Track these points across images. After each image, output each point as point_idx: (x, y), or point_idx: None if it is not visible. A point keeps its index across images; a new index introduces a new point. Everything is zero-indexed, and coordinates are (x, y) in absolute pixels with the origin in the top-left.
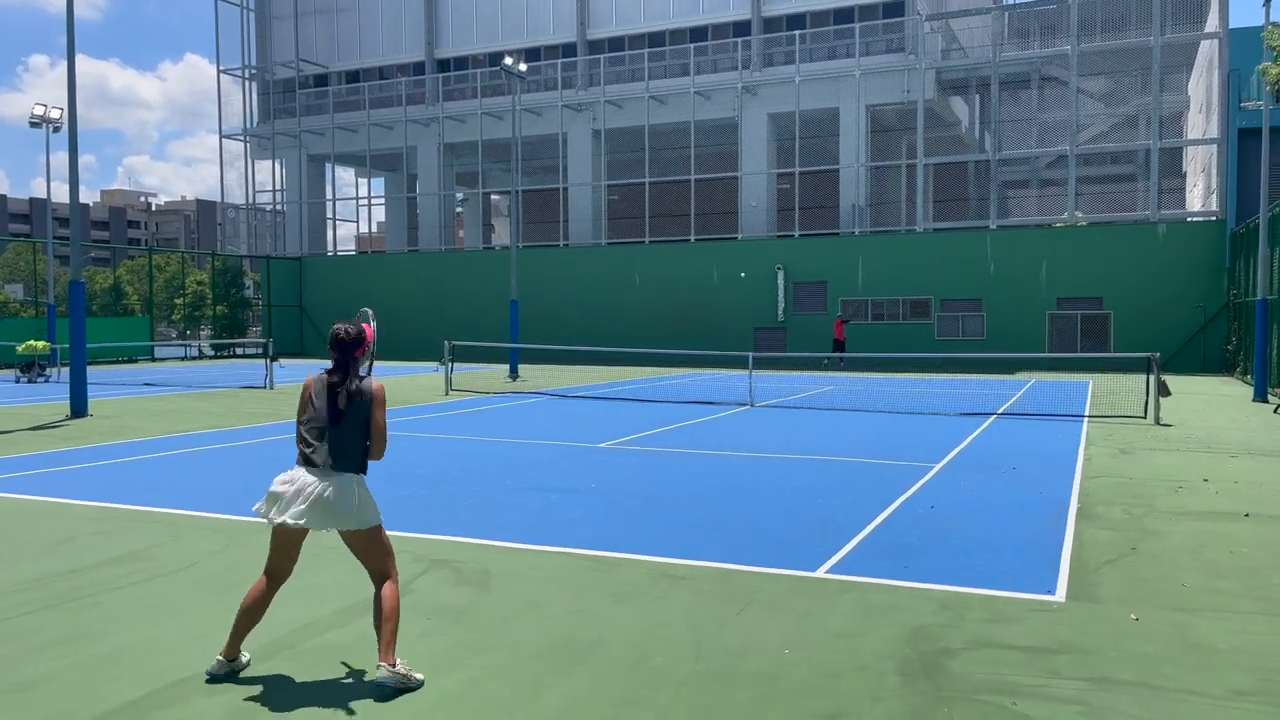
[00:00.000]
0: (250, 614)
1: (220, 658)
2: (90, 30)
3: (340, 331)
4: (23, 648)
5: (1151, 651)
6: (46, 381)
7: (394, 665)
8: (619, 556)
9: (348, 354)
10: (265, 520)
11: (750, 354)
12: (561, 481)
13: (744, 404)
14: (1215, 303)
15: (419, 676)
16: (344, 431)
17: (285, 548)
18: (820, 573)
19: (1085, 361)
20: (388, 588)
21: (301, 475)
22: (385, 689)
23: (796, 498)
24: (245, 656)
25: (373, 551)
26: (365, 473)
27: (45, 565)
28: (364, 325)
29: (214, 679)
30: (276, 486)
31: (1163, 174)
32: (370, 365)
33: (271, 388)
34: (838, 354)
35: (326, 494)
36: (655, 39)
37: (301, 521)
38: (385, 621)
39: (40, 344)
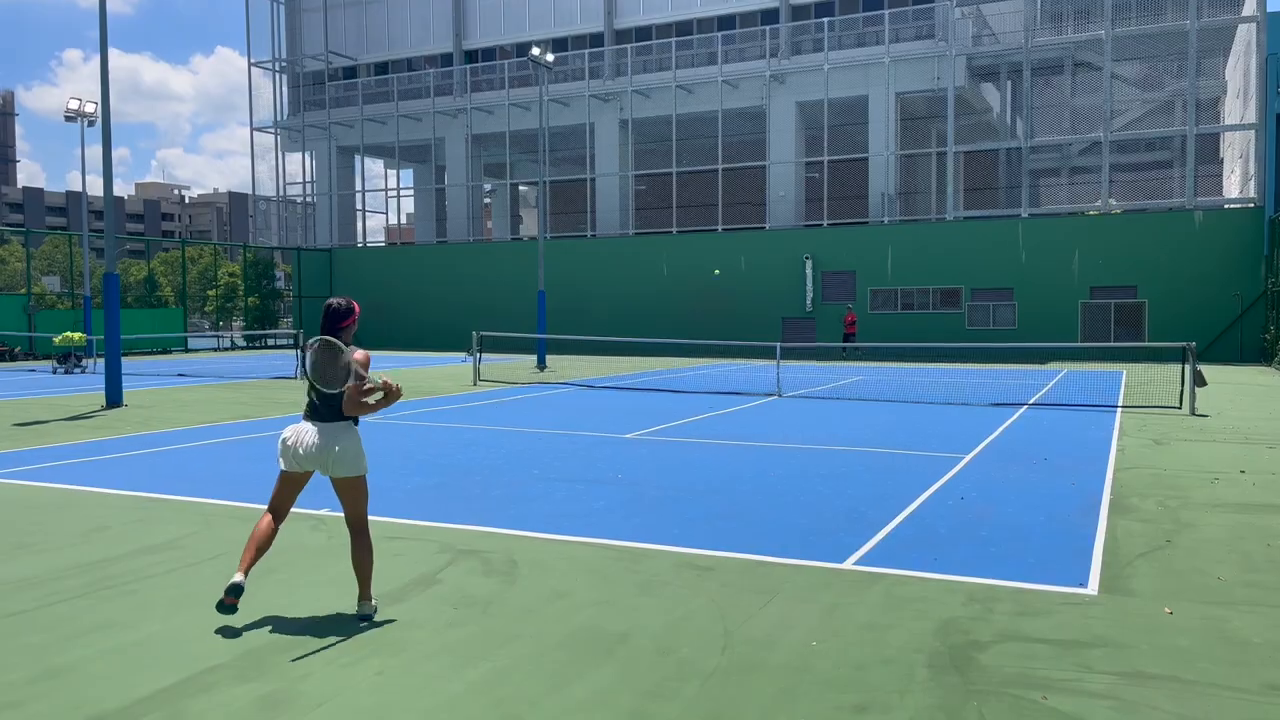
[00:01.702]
0: (265, 545)
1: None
2: (122, 24)
3: (333, 304)
4: (57, 635)
5: (1185, 646)
6: (82, 372)
7: (371, 600)
8: (645, 547)
9: (336, 324)
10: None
11: (778, 344)
12: (588, 472)
13: (771, 394)
14: (1253, 291)
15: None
16: (333, 389)
17: (290, 488)
18: (848, 564)
19: (1119, 351)
20: (362, 537)
21: (304, 425)
22: (371, 619)
23: (824, 489)
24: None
25: (354, 497)
26: (355, 422)
27: (80, 554)
28: (353, 302)
29: (223, 611)
30: (286, 436)
31: (1199, 160)
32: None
33: (303, 378)
34: (852, 345)
35: (317, 442)
36: (682, 28)
37: (306, 467)
38: (364, 564)
39: (76, 335)
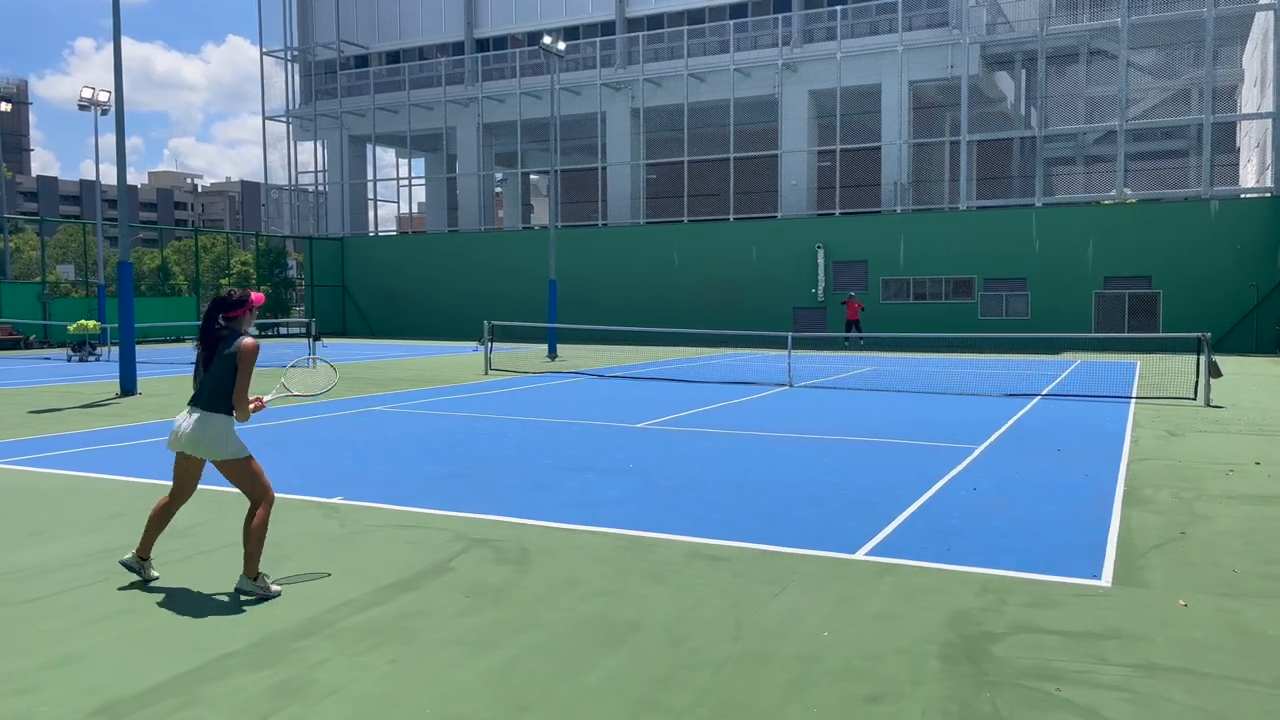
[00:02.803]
0: (157, 522)
1: (134, 553)
2: (134, 13)
3: (223, 292)
4: (72, 621)
5: (1200, 638)
6: (97, 360)
7: (254, 578)
8: (656, 536)
9: (223, 313)
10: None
11: (789, 334)
12: (599, 461)
13: (783, 384)
14: (1269, 281)
15: (276, 589)
16: (211, 377)
17: (181, 472)
18: (860, 555)
19: (1133, 342)
20: (256, 512)
21: (183, 412)
22: (249, 596)
23: (836, 479)
24: (154, 573)
25: (239, 480)
26: (230, 414)
27: (95, 540)
28: (251, 292)
29: (126, 566)
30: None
31: (1215, 149)
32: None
33: (314, 367)
34: (856, 334)
35: (190, 427)
36: (694, 16)
37: (178, 448)
38: (248, 539)
39: (91, 323)
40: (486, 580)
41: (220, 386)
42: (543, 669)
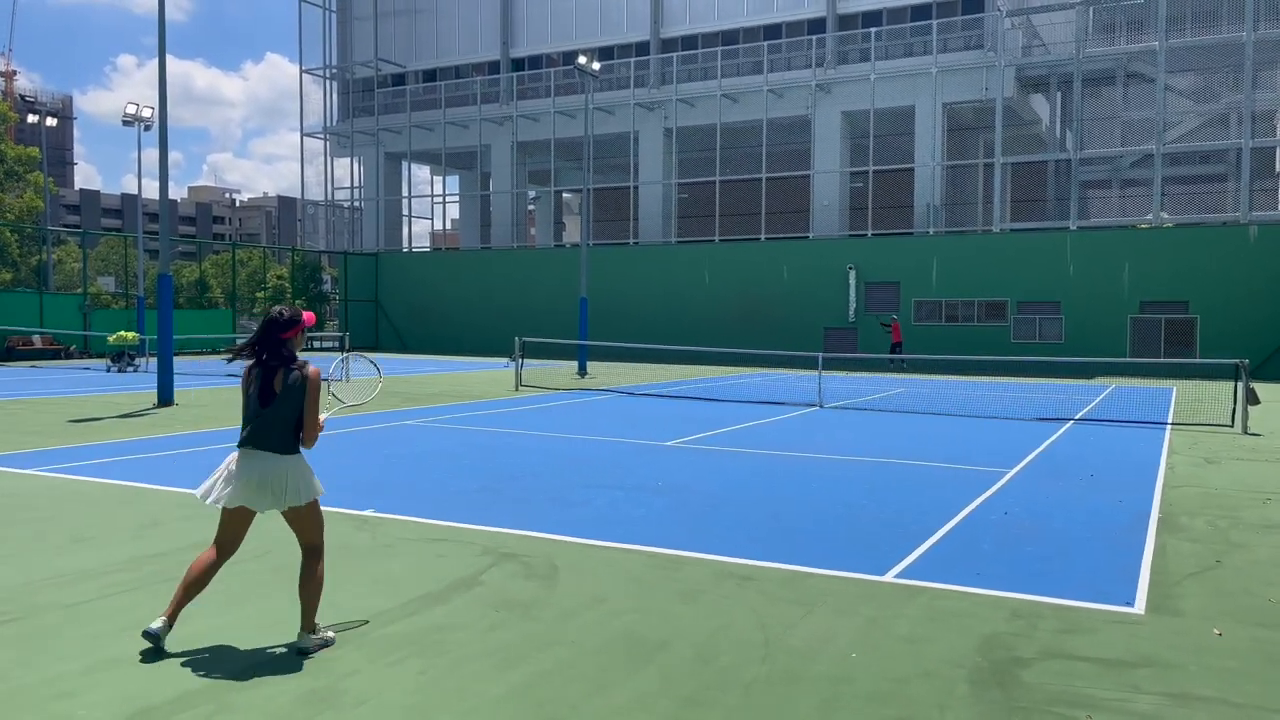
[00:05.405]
0: (198, 584)
1: (164, 618)
2: (176, 31)
3: (273, 312)
4: (110, 627)
5: (1235, 668)
6: (135, 371)
7: (313, 632)
8: (685, 555)
9: (277, 335)
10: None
11: (820, 354)
12: (628, 478)
13: (813, 405)
14: None
15: (331, 635)
16: (278, 416)
17: (235, 524)
18: (889, 577)
19: (1169, 367)
20: (313, 560)
21: (235, 457)
22: (308, 652)
23: (865, 501)
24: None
25: (310, 523)
26: (300, 451)
27: (133, 548)
28: (300, 312)
29: (150, 638)
30: (231, 466)
31: (1255, 174)
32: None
33: (348, 380)
34: (900, 356)
35: (262, 475)
36: (729, 37)
37: (249, 503)
38: (310, 593)
39: (130, 335)
40: (515, 595)
41: (289, 422)
42: (571, 685)
